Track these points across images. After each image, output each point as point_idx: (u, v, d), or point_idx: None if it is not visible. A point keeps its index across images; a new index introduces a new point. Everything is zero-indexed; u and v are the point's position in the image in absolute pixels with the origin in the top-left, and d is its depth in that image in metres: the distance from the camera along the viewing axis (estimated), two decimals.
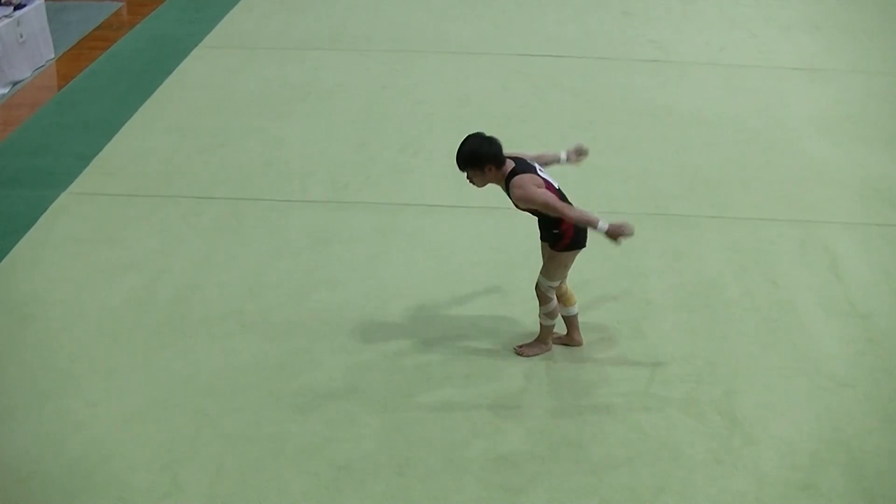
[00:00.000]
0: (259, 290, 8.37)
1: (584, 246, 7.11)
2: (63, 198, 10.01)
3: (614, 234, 6.65)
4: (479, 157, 6.76)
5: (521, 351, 7.55)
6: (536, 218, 7.11)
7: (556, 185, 7.01)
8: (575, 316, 7.55)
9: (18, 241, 9.18)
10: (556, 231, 7.00)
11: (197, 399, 7.11)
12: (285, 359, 7.51)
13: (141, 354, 7.59)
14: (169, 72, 13.36)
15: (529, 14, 15.63)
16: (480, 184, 6.94)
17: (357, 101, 12.35)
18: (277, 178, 10.34)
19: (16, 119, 12.37)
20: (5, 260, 8.88)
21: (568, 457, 6.58)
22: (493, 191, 9.80)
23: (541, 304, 7.34)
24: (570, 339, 7.63)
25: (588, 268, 8.53)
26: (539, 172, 6.94)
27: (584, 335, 7.70)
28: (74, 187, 10.22)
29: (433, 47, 14.19)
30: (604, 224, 6.63)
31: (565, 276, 7.31)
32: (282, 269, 8.66)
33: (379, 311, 8.04)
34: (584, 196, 9.69)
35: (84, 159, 10.88)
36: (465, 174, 6.90)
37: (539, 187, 6.79)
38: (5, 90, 13.34)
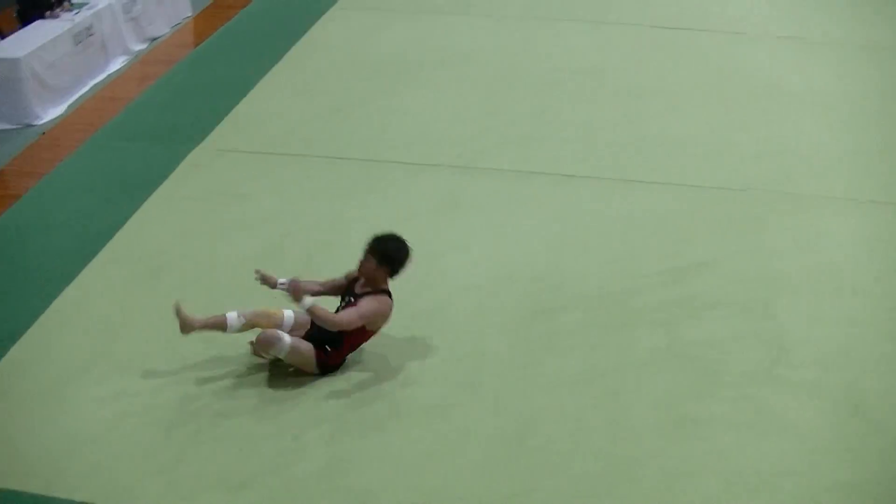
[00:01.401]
0: None
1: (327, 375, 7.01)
2: (195, 153, 10.17)
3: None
4: (390, 258, 6.82)
5: None
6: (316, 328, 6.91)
7: None
8: (224, 326, 6.95)
9: (151, 194, 9.35)
10: (326, 349, 6.89)
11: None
12: (413, 320, 7.52)
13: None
14: (303, 32, 13.47)
15: None
16: (365, 272, 6.85)
17: (490, 67, 12.32)
18: (409, 141, 10.38)
19: (152, 75, 12.58)
20: (138, 212, 9.05)
21: (691, 434, 6.48)
22: (626, 162, 9.74)
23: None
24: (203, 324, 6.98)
25: (718, 246, 8.43)
26: None
27: (711, 312, 7.61)
28: (207, 143, 10.37)
29: (567, 15, 14.07)
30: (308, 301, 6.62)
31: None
32: (411, 231, 8.54)
33: (506, 277, 8.03)
34: (715, 172, 9.59)
35: (217, 116, 11.03)
36: (365, 257, 6.85)
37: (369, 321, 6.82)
38: (143, 46, 13.58)
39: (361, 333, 6.86)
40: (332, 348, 6.87)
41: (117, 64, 12.98)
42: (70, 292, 7.97)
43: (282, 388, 6.86)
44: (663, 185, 9.39)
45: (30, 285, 8.06)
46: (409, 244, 6.90)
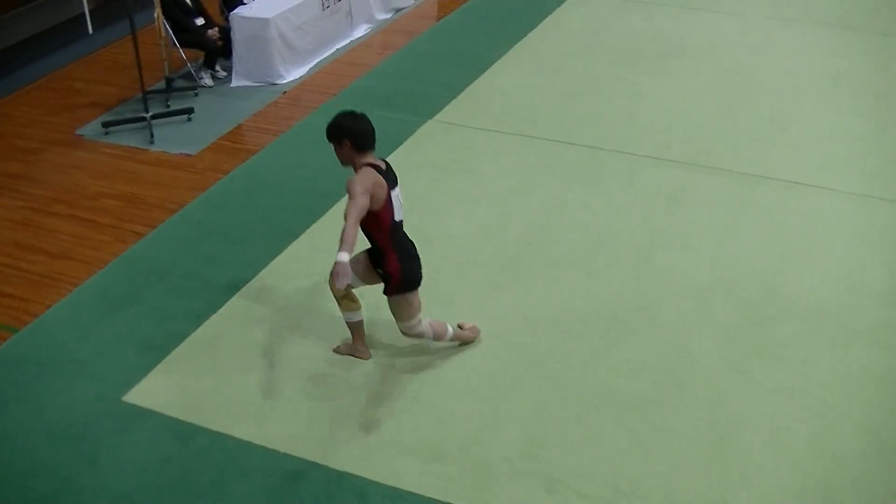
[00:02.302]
0: (607, 241, 8.37)
1: (417, 287, 6.63)
2: (429, 124, 10.33)
3: (335, 270, 5.96)
4: (339, 129, 6.29)
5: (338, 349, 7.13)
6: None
7: (397, 216, 6.48)
8: (359, 322, 6.96)
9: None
10: (380, 272, 6.61)
11: (531, 338, 7.20)
12: (622, 314, 7.49)
13: (482, 286, 7.74)
14: (545, 14, 13.52)
15: None
16: (340, 158, 6.37)
17: (727, 64, 12.08)
18: (639, 132, 10.27)
19: (394, 44, 12.81)
20: None
21: None
22: (860, 174, 9.41)
23: (419, 338, 6.87)
24: (355, 350, 7.06)
25: None
26: (396, 190, 6.44)
27: None
28: (441, 116, 10.51)
29: (810, 17, 13.69)
30: (343, 256, 5.92)
31: (418, 312, 6.73)
32: (633, 223, 8.60)
33: (723, 280, 7.88)
34: None
35: (453, 90, 11.17)
36: (334, 150, 6.39)
37: (369, 192, 6.17)
38: (388, 16, 13.82)
39: (377, 221, 6.39)
40: (384, 269, 6.55)
41: (361, 31, 13.26)
42: (293, 249, 8.23)
43: (484, 364, 6.93)
44: None
45: (256, 238, 8.35)
46: (346, 111, 6.41)
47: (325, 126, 6.36)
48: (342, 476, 6.00)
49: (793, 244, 8.39)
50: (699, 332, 7.30)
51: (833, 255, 8.26)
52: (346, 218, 6.05)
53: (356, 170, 6.33)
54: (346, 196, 6.14)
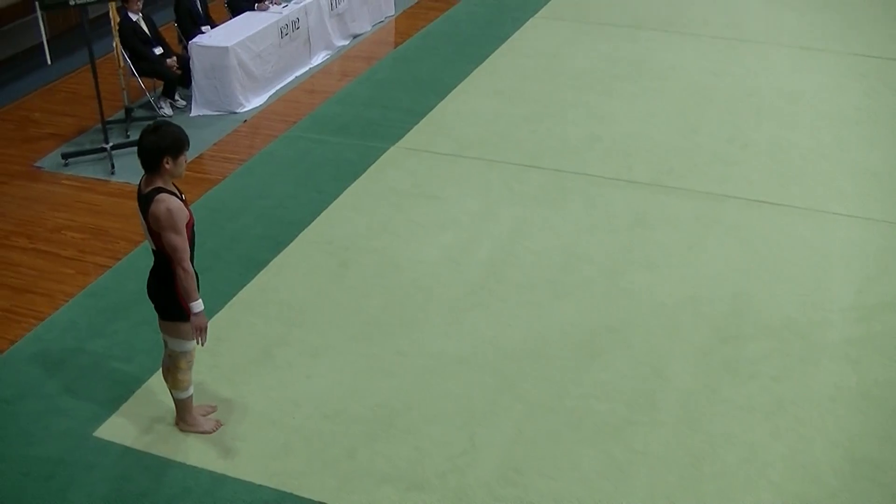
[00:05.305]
0: (574, 263, 8.37)
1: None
2: (391, 151, 10.31)
3: (196, 324, 5.76)
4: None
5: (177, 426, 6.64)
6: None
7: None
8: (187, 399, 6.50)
9: (346, 187, 9.52)
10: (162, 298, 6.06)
11: (502, 363, 7.17)
12: (593, 336, 7.48)
13: (451, 311, 7.72)
14: (503, 38, 13.57)
15: (879, 10, 15.02)
16: (175, 173, 5.77)
17: (687, 85, 12.17)
18: (601, 154, 10.31)
19: (353, 70, 12.82)
20: (332, 205, 9.22)
21: (869, 476, 6.25)
22: (821, 191, 9.48)
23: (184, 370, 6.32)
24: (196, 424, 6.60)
25: None
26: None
27: None
28: (403, 142, 10.50)
29: (768, 38, 13.84)
30: (197, 306, 5.72)
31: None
32: (598, 244, 8.62)
33: (691, 299, 7.90)
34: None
35: (414, 115, 11.17)
36: None
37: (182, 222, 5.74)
38: (346, 42, 13.83)
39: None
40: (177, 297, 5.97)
41: (319, 58, 13.26)
42: (261, 278, 8.17)
43: (456, 389, 6.90)
44: (858, 219, 9.11)
45: (223, 268, 8.28)
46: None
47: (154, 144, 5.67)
48: None
49: (759, 261, 8.44)
50: (670, 352, 7.31)
51: (798, 271, 8.31)
52: (181, 264, 5.71)
53: (159, 191, 5.74)
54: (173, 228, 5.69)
